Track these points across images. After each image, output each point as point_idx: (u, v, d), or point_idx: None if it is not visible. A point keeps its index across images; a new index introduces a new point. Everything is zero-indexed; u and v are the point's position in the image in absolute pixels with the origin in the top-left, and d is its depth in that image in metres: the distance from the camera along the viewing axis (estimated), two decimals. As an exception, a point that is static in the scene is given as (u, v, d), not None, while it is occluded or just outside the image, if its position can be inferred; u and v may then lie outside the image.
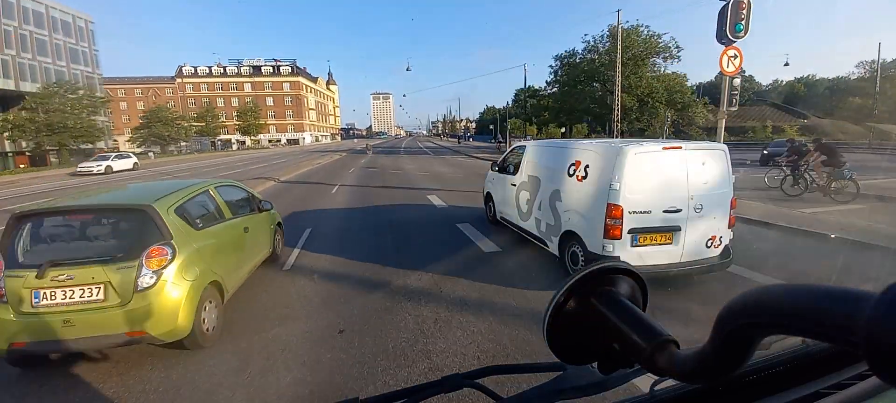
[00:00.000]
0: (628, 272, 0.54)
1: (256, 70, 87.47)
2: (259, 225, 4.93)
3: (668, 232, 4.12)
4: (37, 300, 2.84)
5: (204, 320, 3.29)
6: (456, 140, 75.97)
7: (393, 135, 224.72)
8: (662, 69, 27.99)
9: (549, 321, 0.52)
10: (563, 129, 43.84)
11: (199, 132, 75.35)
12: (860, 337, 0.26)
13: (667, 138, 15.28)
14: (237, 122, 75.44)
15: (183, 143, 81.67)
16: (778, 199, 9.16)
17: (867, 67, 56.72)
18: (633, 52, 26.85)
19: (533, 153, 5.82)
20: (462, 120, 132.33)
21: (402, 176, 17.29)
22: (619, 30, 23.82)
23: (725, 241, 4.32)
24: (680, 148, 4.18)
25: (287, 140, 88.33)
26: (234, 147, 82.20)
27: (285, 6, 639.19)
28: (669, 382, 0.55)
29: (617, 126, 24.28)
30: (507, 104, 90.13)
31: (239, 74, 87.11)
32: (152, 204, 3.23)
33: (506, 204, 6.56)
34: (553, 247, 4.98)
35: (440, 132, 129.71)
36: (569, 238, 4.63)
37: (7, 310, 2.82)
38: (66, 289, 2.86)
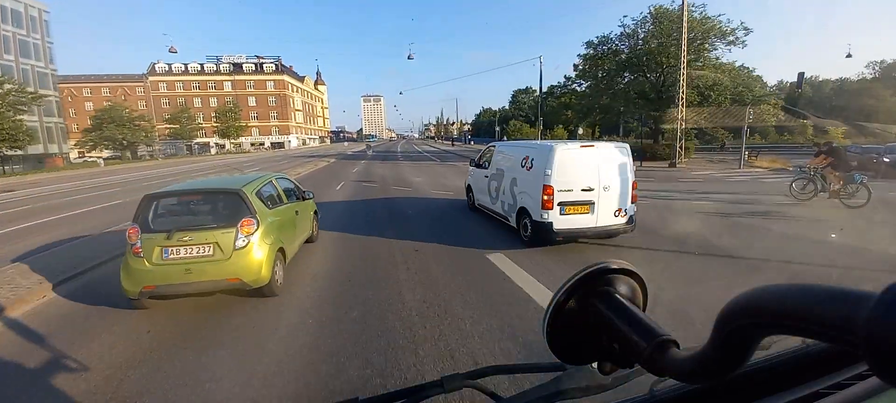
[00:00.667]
0: (628, 272, 0.54)
1: (237, 68, 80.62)
2: (304, 210, 6.27)
3: (586, 205, 5.99)
4: (166, 255, 4.08)
5: (275, 274, 4.52)
6: (450, 143, 70.65)
7: (386, 137, 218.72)
8: (724, 57, 22.75)
9: (549, 321, 0.52)
10: (580, 131, 38.66)
11: (172, 135, 68.74)
12: (860, 337, 0.26)
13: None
14: (215, 124, 68.82)
15: (155, 147, 75.33)
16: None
17: (875, 68, 53.97)
18: (688, 35, 21.65)
19: (500, 151, 7.79)
20: (455, 122, 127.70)
21: (416, 201, 11.36)
22: (685, 5, 18.52)
23: (629, 213, 6.19)
24: (593, 146, 6.21)
25: (271, 143, 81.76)
26: (213, 151, 75.60)
27: (270, 2, 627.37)
28: (669, 382, 0.56)
29: (681, 124, 18.98)
30: (503, 107, 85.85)
31: (218, 72, 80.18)
32: (242, 188, 4.53)
33: (481, 192, 8.40)
34: (512, 221, 6.88)
35: (434, 135, 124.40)
36: (522, 213, 6.49)
37: (143, 263, 4.06)
38: (187, 247, 4.10)
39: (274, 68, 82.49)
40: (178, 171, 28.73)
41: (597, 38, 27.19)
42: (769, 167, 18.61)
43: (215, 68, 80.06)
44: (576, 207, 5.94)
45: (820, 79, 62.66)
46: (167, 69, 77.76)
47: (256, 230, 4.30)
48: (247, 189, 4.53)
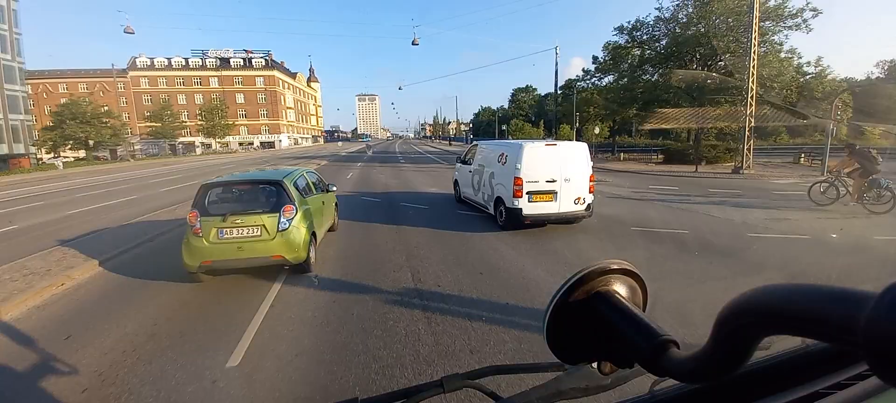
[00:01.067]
0: (628, 272, 0.54)
1: (224, 63, 76.14)
2: (329, 201, 7.04)
3: (550, 193, 7.03)
4: (222, 235, 4.77)
5: (310, 253, 5.27)
6: (447, 143, 67.16)
7: (381, 137, 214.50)
8: (785, 43, 19.29)
9: (549, 321, 0.52)
10: (595, 130, 35.08)
11: (153, 133, 64.39)
12: (860, 337, 0.26)
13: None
14: (200, 122, 64.51)
15: (136, 147, 70.85)
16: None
17: (885, 67, 51.21)
18: (744, 19, 18.27)
19: (481, 149, 9.01)
20: (452, 122, 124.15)
21: (443, 237, 7.56)
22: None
23: (588, 201, 7.20)
24: (556, 145, 7.36)
25: (260, 143, 77.53)
26: (198, 150, 71.29)
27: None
28: (669, 382, 0.56)
29: (749, 121, 15.58)
30: (502, 106, 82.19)
31: (204, 67, 75.66)
32: (283, 179, 5.28)
33: (466, 186, 9.52)
34: (491, 209, 7.97)
35: (431, 135, 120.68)
36: (498, 201, 7.53)
37: (202, 241, 4.75)
38: (239, 228, 4.81)
39: (264, 63, 78.21)
40: (133, 178, 24.82)
41: (629, 22, 23.84)
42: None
43: (201, 63, 75.55)
44: (541, 196, 7.02)
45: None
46: (149, 63, 73.21)
47: (295, 215, 5.08)
48: (286, 180, 5.34)
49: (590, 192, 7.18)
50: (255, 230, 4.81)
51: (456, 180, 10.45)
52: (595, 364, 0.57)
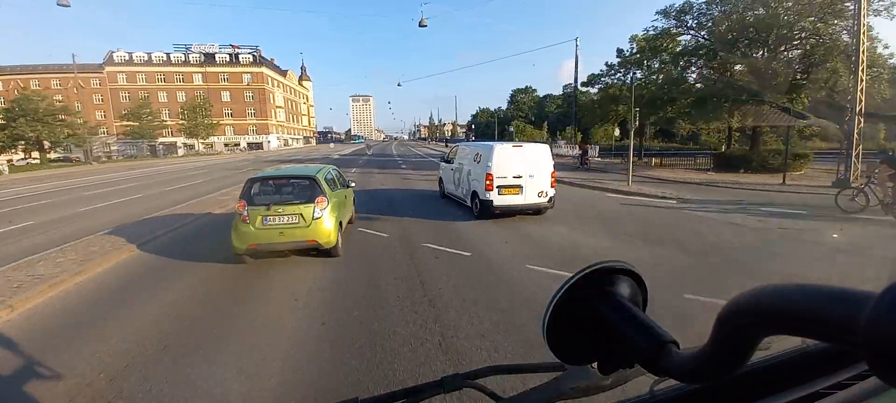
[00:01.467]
0: (628, 272, 0.54)
1: (209, 58, 71.62)
2: (349, 195, 7.77)
3: (517, 187, 8.17)
4: (266, 221, 5.59)
5: (338, 240, 6.03)
6: (444, 145, 63.60)
7: (375, 138, 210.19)
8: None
9: (549, 321, 0.52)
10: (616, 132, 31.52)
11: (131, 133, 59.84)
12: (860, 338, 0.26)
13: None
14: (182, 121, 60.01)
15: (112, 147, 66.12)
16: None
17: None
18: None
19: (461, 149, 10.28)
20: (447, 123, 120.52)
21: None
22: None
23: (550, 194, 8.41)
24: (522, 146, 8.67)
25: (248, 144, 73.10)
26: (180, 152, 66.75)
27: None
28: (669, 382, 0.56)
29: (859, 121, 12.04)
30: (500, 108, 78.75)
31: (187, 63, 71.05)
32: (316, 174, 6.12)
33: (448, 182, 10.66)
34: (467, 201, 9.16)
35: (427, 136, 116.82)
36: (473, 195, 8.71)
37: (249, 227, 5.55)
38: (280, 216, 5.62)
39: (252, 60, 73.84)
40: (68, 189, 20.79)
41: (671, 7, 20.26)
42: None
43: (183, 58, 70.90)
44: (509, 189, 8.17)
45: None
46: (127, 58, 68.51)
47: (327, 206, 5.83)
48: (318, 175, 6.14)
49: (551, 186, 8.45)
50: (294, 218, 5.67)
51: (440, 178, 11.67)
52: (595, 364, 0.56)
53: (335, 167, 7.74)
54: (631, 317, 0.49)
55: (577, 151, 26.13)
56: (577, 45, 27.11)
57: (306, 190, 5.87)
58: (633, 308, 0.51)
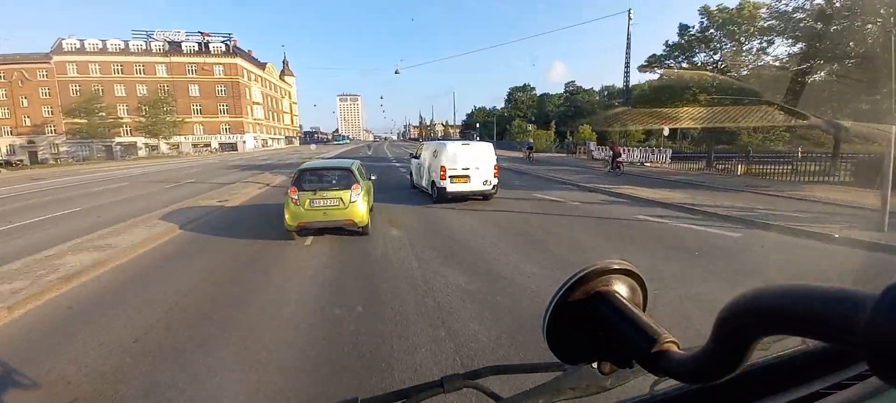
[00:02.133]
0: (628, 272, 0.54)
1: (175, 47, 63.52)
2: (370, 187, 8.74)
3: (465, 177, 10.06)
4: (314, 203, 6.80)
5: (369, 221, 7.26)
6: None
7: (366, 139, 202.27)
8: None
9: (548, 321, 0.53)
10: (665, 132, 25.45)
11: (78, 131, 51.83)
12: (860, 338, 0.26)
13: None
14: (142, 118, 52.21)
15: (61, 147, 57.79)
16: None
17: None
18: None
19: (425, 147, 12.11)
20: (437, 123, 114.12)
21: None
22: None
23: (493, 182, 10.38)
24: (469, 144, 10.69)
25: (220, 144, 65.35)
26: (141, 152, 58.74)
27: None
28: (669, 382, 0.56)
29: None
30: (495, 107, 73.40)
31: (148, 52, 62.87)
32: (351, 166, 7.44)
33: (415, 174, 12.66)
34: (429, 190, 11.05)
35: (419, 136, 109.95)
36: (433, 183, 10.52)
37: (300, 208, 6.76)
38: (324, 199, 6.83)
39: (224, 49, 66.03)
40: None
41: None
42: None
43: (144, 47, 62.72)
44: (459, 178, 10.05)
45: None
46: (78, 46, 60.04)
47: (361, 192, 7.01)
48: (353, 167, 7.47)
49: (494, 176, 10.40)
50: (335, 201, 6.84)
51: (410, 171, 13.70)
52: (595, 364, 0.57)
53: (360, 162, 8.62)
54: (631, 317, 0.49)
55: (607, 153, 21.40)
56: (629, 19, 21.10)
57: (344, 178, 7.15)
58: (632, 308, 0.51)
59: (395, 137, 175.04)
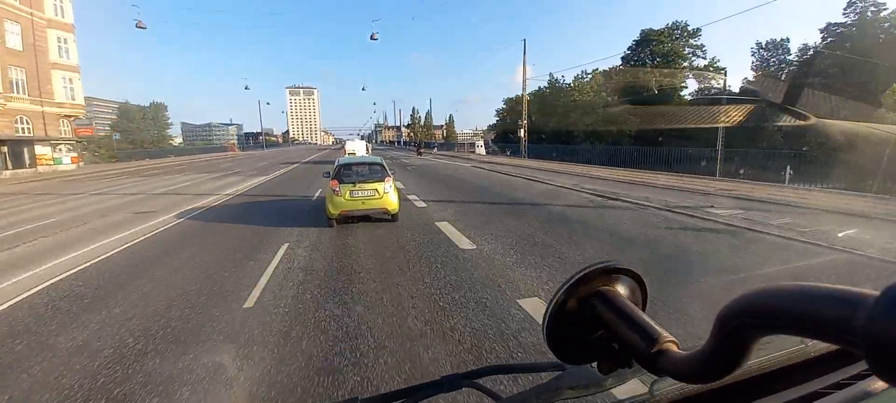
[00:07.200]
0: (628, 272, 0.55)
1: None
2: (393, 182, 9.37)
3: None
4: (354, 194, 7.61)
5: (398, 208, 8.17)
6: (416, 151, 49.18)
7: (319, 142, 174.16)
8: None
9: (548, 321, 0.53)
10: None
11: None
12: (859, 337, 0.26)
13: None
14: None
15: None
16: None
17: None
18: None
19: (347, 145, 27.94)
20: (405, 123, 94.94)
21: None
22: None
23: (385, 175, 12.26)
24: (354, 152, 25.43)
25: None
26: None
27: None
28: (669, 382, 0.57)
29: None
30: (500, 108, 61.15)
31: None
32: (382, 161, 8.47)
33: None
34: None
35: (411, 142, 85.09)
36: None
37: (342, 199, 7.57)
38: (362, 190, 7.65)
39: None
40: None
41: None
42: None
43: None
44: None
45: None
46: None
47: (392, 184, 7.98)
48: (383, 162, 8.44)
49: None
50: (372, 192, 7.69)
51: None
52: (595, 364, 0.57)
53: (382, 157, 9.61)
54: (630, 317, 0.50)
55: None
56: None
57: (378, 171, 8.05)
58: (632, 307, 0.51)
59: (358, 138, 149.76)
